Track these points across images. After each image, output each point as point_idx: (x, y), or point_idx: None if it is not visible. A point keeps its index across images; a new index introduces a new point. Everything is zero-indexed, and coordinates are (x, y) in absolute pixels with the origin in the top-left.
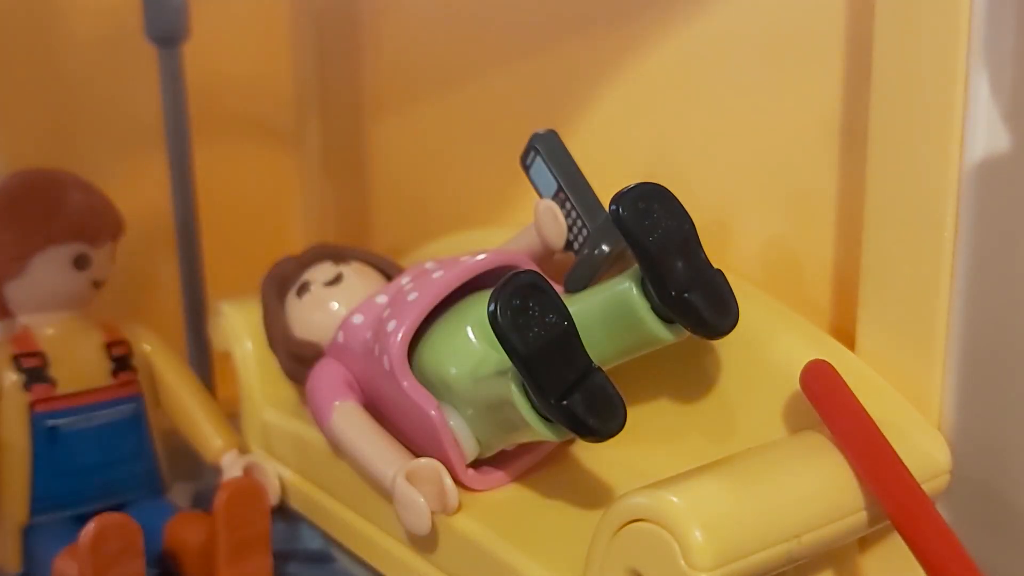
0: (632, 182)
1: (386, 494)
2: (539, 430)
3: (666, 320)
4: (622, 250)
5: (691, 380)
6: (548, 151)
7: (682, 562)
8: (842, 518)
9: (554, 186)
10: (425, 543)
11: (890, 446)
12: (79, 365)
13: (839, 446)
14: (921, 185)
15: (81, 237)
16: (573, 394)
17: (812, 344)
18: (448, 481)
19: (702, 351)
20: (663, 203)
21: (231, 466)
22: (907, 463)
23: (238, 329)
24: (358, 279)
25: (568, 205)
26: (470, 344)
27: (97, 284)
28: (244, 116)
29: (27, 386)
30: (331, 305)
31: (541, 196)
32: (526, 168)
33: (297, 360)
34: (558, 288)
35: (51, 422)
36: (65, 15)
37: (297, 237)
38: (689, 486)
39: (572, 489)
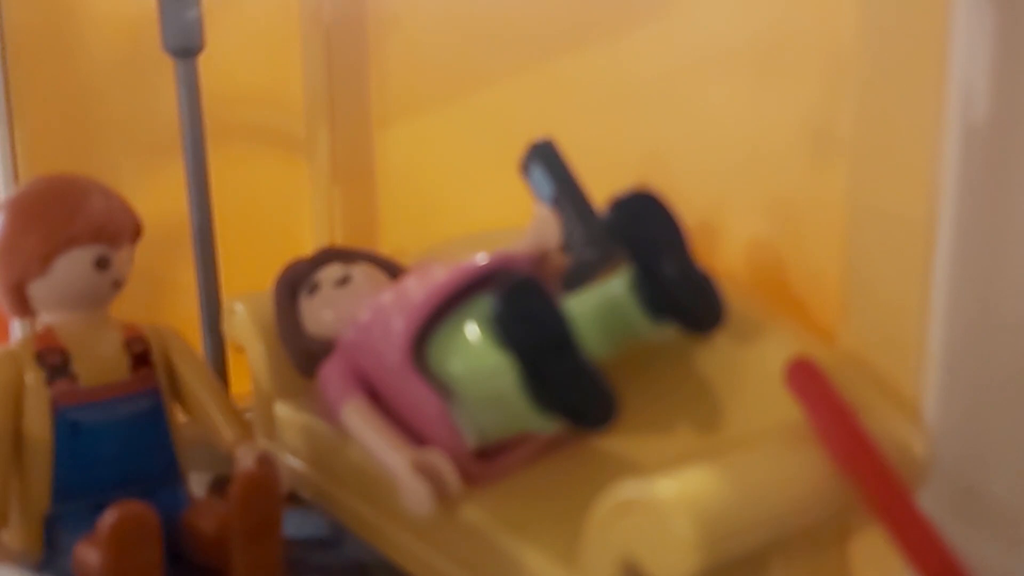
0: (626, 188)
1: (392, 482)
2: (537, 422)
3: (657, 318)
4: (616, 252)
5: (682, 375)
6: (546, 160)
7: (672, 546)
8: (825, 504)
9: (552, 193)
10: (429, 531)
11: (872, 438)
12: (100, 361)
13: (821, 438)
14: (902, 186)
15: (101, 239)
16: (569, 388)
17: (796, 340)
18: (451, 470)
19: (692, 348)
20: (655, 209)
21: (245, 457)
22: (888, 456)
23: (251, 327)
24: (366, 280)
25: (565, 211)
26: (472, 342)
27: (117, 284)
28: (257, 125)
29: (50, 381)
30: (340, 304)
31: (540, 202)
32: (525, 176)
33: (308, 356)
34: (555, 289)
35: (73, 415)
36: (86, 29)
37: (307, 240)
38: (678, 474)
39: (571, 478)
